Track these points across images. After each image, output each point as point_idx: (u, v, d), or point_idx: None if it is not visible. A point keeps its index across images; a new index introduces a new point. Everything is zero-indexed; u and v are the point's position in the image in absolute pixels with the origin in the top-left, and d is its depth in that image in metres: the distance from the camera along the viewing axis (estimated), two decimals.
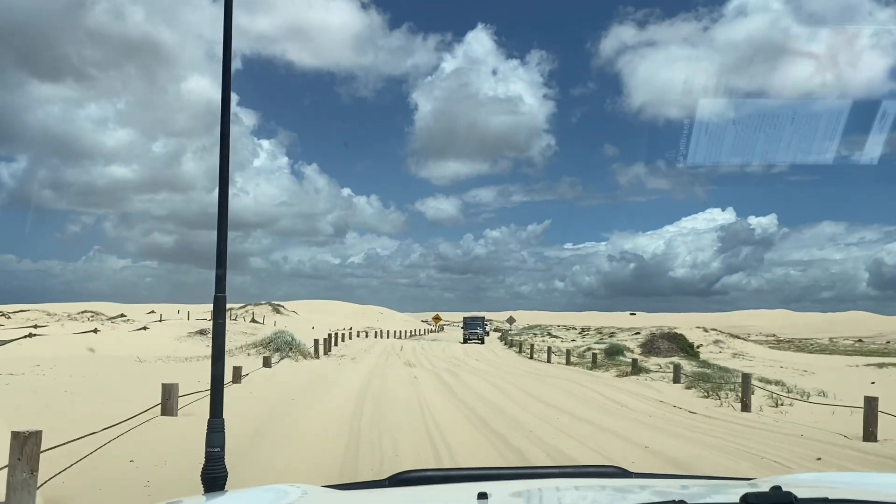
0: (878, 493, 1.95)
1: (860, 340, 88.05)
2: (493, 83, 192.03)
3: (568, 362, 31.79)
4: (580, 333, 69.02)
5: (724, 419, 13.47)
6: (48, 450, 5.66)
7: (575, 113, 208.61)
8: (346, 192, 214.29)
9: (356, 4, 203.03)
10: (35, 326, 40.06)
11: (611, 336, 55.77)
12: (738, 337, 60.15)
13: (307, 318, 73.08)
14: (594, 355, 31.02)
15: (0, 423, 7.05)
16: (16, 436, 5.02)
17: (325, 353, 29.70)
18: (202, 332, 34.98)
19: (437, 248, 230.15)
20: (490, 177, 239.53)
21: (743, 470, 7.80)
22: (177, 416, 9.84)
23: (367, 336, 58.61)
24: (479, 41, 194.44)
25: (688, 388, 18.72)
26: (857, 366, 35.41)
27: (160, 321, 52.49)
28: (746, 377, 15.78)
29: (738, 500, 1.59)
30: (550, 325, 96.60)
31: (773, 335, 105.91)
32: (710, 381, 19.29)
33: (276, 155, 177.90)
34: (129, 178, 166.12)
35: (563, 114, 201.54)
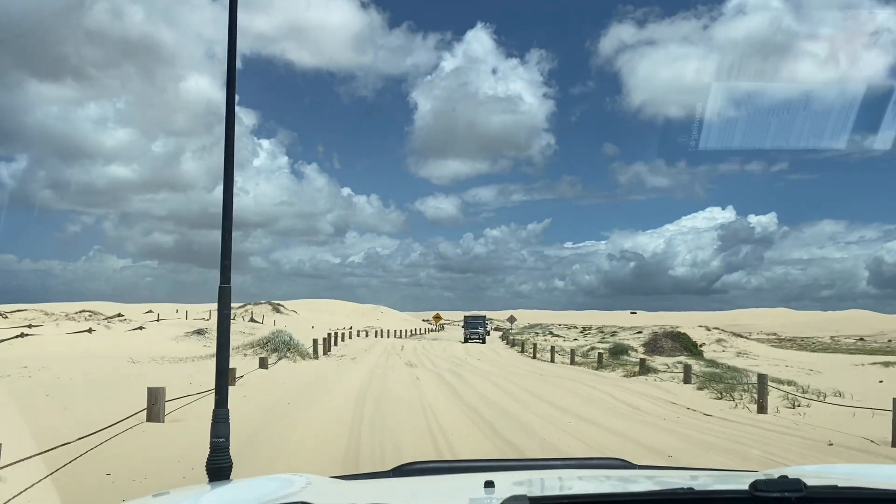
0: (885, 483, 1.96)
1: (862, 339, 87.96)
2: (493, 82, 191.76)
3: (572, 362, 31.17)
4: (582, 332, 68.37)
5: (741, 422, 12.85)
6: (6, 466, 5.01)
7: (575, 112, 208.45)
8: (346, 191, 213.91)
9: (356, 4, 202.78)
10: (29, 326, 39.38)
11: (613, 335, 55.17)
12: (740, 335, 59.65)
13: (307, 317, 72.52)
14: (600, 355, 30.39)
15: None
16: None
17: (325, 353, 29.07)
18: (200, 332, 34.33)
19: (437, 247, 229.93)
20: (490, 176, 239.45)
21: None
22: (163, 422, 9.19)
23: (367, 335, 58.00)
24: (479, 40, 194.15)
25: (699, 388, 18.10)
26: (863, 364, 35.05)
27: (157, 321, 51.89)
28: (762, 378, 15.13)
29: (747, 488, 1.60)
30: (551, 325, 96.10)
31: (774, 334, 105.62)
32: (722, 381, 18.68)
33: (276, 155, 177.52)
34: (129, 177, 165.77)
35: (563, 113, 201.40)
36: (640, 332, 50.58)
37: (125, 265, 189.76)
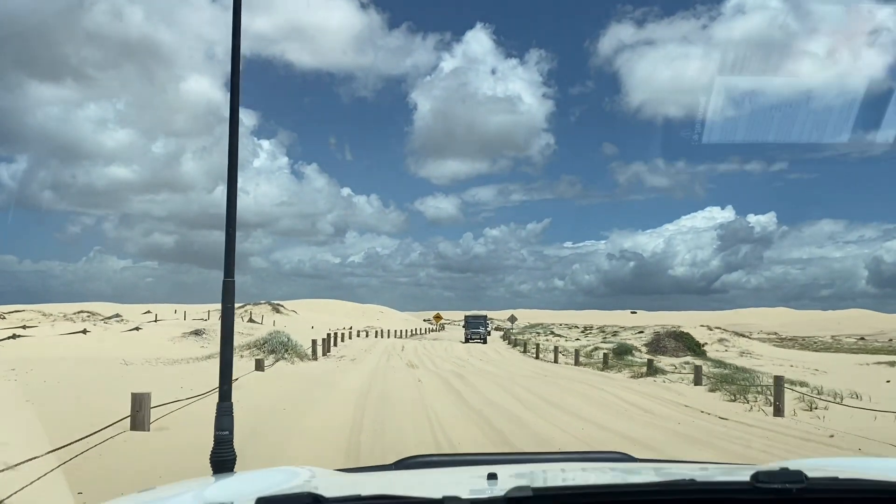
0: (886, 475, 1.94)
1: (863, 338, 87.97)
2: (493, 82, 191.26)
3: (577, 362, 30.57)
4: (583, 332, 67.86)
5: (759, 426, 12.23)
6: None
7: (574, 112, 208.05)
8: (346, 191, 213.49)
9: (355, 4, 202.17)
10: (24, 327, 38.75)
11: (614, 335, 54.65)
12: (741, 335, 59.17)
13: (307, 317, 71.98)
14: (605, 355, 29.80)
15: None
16: None
17: (324, 354, 28.46)
18: (197, 333, 33.69)
19: (436, 247, 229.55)
20: (489, 176, 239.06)
21: None
22: (148, 430, 8.54)
23: (367, 335, 57.40)
24: (478, 40, 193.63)
25: (711, 390, 17.48)
26: (868, 364, 34.64)
27: (155, 321, 51.31)
28: (779, 379, 14.52)
29: (748, 479, 1.60)
30: (552, 324, 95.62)
31: (775, 333, 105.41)
32: (734, 382, 18.08)
33: (276, 155, 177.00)
34: (129, 178, 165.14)
35: (563, 113, 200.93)
36: (641, 332, 50.10)
37: (125, 266, 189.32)
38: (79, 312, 62.08)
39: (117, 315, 62.75)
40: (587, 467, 2.38)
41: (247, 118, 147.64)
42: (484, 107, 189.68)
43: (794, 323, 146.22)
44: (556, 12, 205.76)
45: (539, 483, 1.83)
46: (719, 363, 27.17)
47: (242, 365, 19.14)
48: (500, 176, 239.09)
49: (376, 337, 57.27)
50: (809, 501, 1.62)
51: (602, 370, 26.24)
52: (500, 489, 1.58)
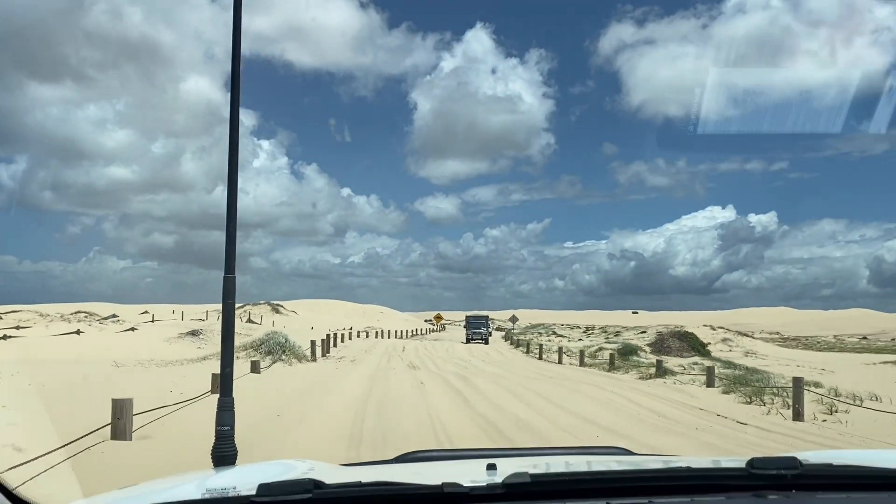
0: (881, 464, 1.94)
1: (865, 338, 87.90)
2: (493, 82, 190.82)
3: (582, 363, 29.93)
4: (585, 332, 67.29)
5: (781, 432, 11.59)
6: None
7: (574, 111, 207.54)
8: (346, 191, 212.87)
9: (355, 4, 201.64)
10: (17, 328, 38.11)
11: (617, 335, 54.09)
12: (744, 335, 58.63)
13: (307, 317, 71.43)
14: (611, 356, 29.18)
15: None
16: None
17: (324, 355, 27.83)
18: (194, 334, 33.08)
19: (436, 247, 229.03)
20: (489, 176, 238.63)
21: None
22: (130, 439, 7.88)
23: (367, 336, 56.80)
24: (479, 40, 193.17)
25: (725, 392, 16.83)
26: (874, 364, 34.20)
27: (151, 322, 50.71)
28: (798, 381, 13.85)
29: (744, 465, 1.64)
30: (553, 324, 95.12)
31: (777, 333, 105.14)
32: (748, 384, 17.43)
33: (276, 155, 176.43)
34: (129, 178, 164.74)
35: (563, 112, 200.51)
36: (643, 332, 49.58)
37: (125, 266, 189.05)
38: (76, 313, 61.58)
39: (114, 315, 62.22)
40: (587, 460, 2.42)
41: (246, 118, 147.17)
42: (484, 106, 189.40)
43: (795, 322, 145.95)
44: (556, 12, 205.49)
45: (537, 472, 1.88)
46: (728, 364, 26.56)
47: (238, 366, 18.44)
48: (500, 176, 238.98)
49: (377, 337, 56.66)
50: (804, 487, 1.64)
51: (609, 371, 25.60)
52: (498, 476, 1.62)
